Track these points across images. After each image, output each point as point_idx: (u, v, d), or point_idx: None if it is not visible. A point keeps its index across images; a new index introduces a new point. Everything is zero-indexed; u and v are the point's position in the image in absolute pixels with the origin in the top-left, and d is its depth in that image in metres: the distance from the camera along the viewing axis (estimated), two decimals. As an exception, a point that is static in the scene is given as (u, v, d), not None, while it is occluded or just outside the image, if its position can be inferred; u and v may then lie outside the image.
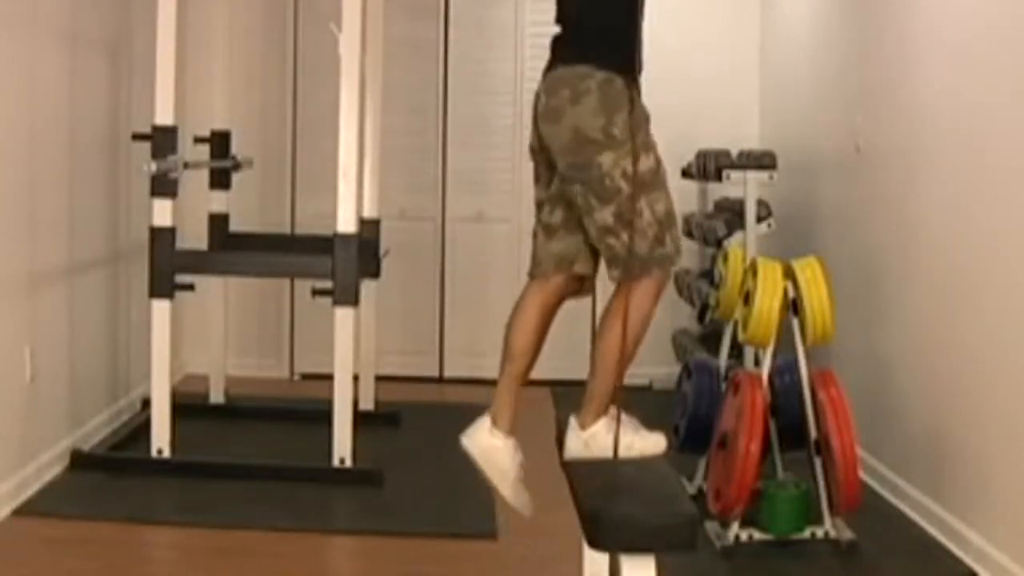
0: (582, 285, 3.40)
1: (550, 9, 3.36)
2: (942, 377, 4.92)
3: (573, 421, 3.33)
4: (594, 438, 3.28)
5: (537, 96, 3.29)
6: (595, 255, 3.33)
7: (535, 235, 3.37)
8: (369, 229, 6.40)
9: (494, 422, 3.36)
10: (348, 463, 5.45)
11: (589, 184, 3.18)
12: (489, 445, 3.36)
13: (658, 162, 3.23)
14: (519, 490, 3.41)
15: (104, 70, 6.08)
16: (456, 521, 5.02)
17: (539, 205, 3.38)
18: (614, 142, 3.16)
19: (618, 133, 3.16)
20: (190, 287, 5.64)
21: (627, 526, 2.85)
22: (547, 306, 3.35)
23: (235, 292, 6.97)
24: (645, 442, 3.31)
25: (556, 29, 3.33)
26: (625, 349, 3.24)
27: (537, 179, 3.38)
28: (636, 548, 2.85)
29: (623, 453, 3.27)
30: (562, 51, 3.28)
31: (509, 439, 3.36)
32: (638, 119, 3.20)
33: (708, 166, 6.60)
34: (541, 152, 3.33)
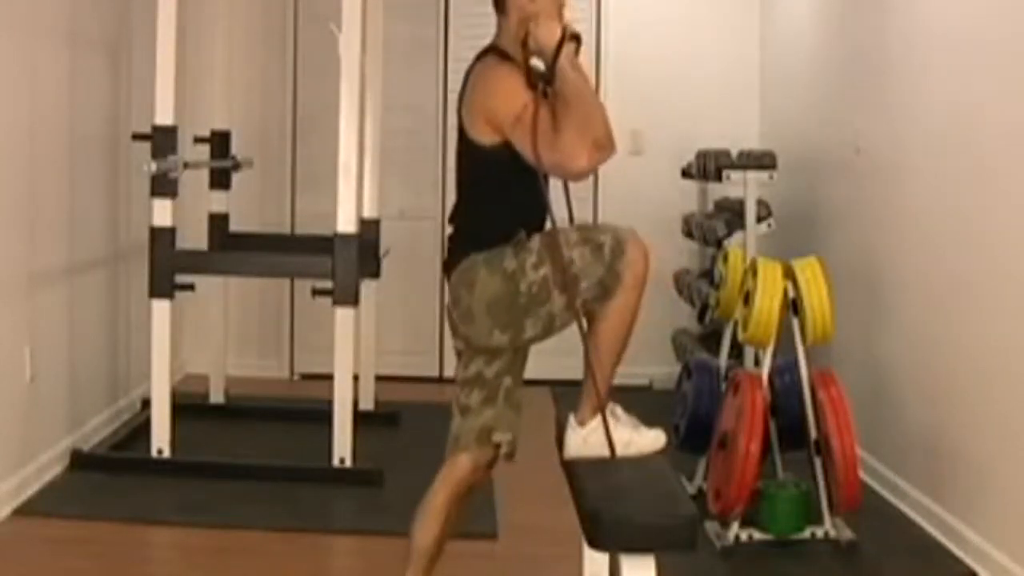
0: (495, 459, 3.51)
1: (549, 9, 3.39)
2: (942, 377, 4.92)
3: (572, 419, 3.34)
4: (593, 434, 3.29)
5: (448, 310, 3.46)
6: (514, 421, 3.46)
7: (453, 415, 3.50)
8: (369, 229, 6.40)
9: None
10: (348, 463, 5.45)
11: (530, 307, 3.30)
12: None
13: (548, 239, 3.29)
14: None
15: (104, 70, 6.08)
16: (456, 521, 5.01)
17: (456, 382, 3.51)
18: (514, 274, 3.29)
19: (510, 268, 3.29)
20: (190, 287, 5.64)
21: (627, 526, 2.85)
22: (458, 493, 3.49)
23: (235, 292, 6.97)
24: (644, 439, 3.33)
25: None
26: (619, 343, 3.29)
27: (459, 359, 3.52)
28: (636, 548, 2.85)
29: (622, 450, 3.28)
30: (454, 253, 3.43)
31: None
32: (518, 247, 3.30)
33: (708, 166, 6.60)
34: (466, 347, 3.46)
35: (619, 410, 3.37)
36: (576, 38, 3.26)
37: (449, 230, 3.51)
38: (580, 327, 3.29)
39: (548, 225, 3.29)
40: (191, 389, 6.84)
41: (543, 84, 3.25)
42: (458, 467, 3.47)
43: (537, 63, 3.27)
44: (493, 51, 3.39)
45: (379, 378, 6.73)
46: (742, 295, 5.08)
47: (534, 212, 3.32)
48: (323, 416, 5.57)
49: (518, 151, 3.23)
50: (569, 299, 3.25)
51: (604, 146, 3.17)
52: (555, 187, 3.38)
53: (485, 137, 3.29)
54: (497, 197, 3.36)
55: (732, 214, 6.50)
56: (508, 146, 3.25)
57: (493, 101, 3.27)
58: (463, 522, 3.59)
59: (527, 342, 3.41)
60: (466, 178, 3.45)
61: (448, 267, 3.43)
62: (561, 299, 3.26)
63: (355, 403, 5.62)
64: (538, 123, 3.15)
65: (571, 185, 3.47)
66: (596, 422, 3.29)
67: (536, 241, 3.30)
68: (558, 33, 3.23)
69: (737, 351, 5.63)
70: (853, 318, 5.60)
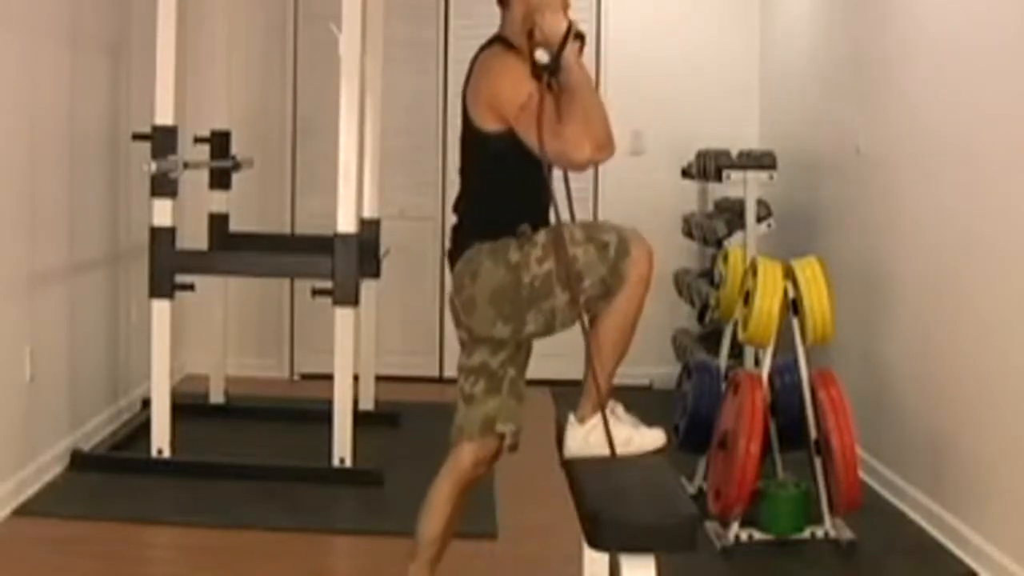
0: (499, 451, 3.51)
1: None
2: (942, 377, 4.92)
3: (572, 417, 3.35)
4: (593, 431, 3.29)
5: (451, 300, 3.45)
6: (516, 411, 3.46)
7: (456, 405, 3.50)
8: (369, 229, 6.40)
9: None
10: (348, 463, 5.45)
11: (533, 301, 3.30)
12: None
13: (553, 234, 3.30)
14: None
15: (104, 70, 6.08)
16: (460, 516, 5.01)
17: (459, 371, 3.51)
18: (518, 266, 3.29)
19: (514, 259, 3.30)
20: (190, 287, 5.64)
21: (627, 526, 2.85)
22: (461, 485, 3.49)
23: (235, 292, 6.97)
24: (643, 437, 3.33)
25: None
26: (621, 343, 3.29)
27: (463, 348, 3.51)
28: (636, 548, 2.85)
29: (622, 448, 3.28)
30: (457, 242, 3.44)
31: None
32: (524, 240, 3.31)
33: (708, 166, 6.60)
34: (469, 338, 3.46)
35: (620, 409, 3.37)
36: (580, 37, 3.28)
37: (453, 219, 3.51)
38: (583, 324, 3.29)
39: (552, 217, 3.29)
40: (191, 389, 6.84)
41: (547, 76, 3.25)
42: (461, 459, 3.48)
43: (542, 55, 3.28)
44: (498, 41, 3.41)
45: (379, 378, 6.73)
46: (742, 295, 5.08)
47: (537, 203, 3.32)
48: (323, 416, 5.57)
49: (522, 140, 3.24)
50: (572, 296, 3.25)
51: (604, 146, 3.21)
52: (556, 181, 3.37)
53: (489, 125, 3.31)
54: (501, 187, 3.36)
55: (732, 214, 6.50)
56: (512, 135, 3.26)
57: (498, 89, 3.29)
58: (463, 520, 3.58)
59: (528, 336, 3.41)
60: (470, 167, 3.46)
61: (452, 256, 3.44)
62: (564, 295, 3.27)
63: (355, 403, 5.62)
64: (543, 112, 3.16)
65: (571, 182, 3.48)
66: (596, 420, 3.30)
67: (542, 235, 3.31)
68: (564, 24, 3.25)
69: (737, 351, 5.63)
70: (853, 318, 5.60)
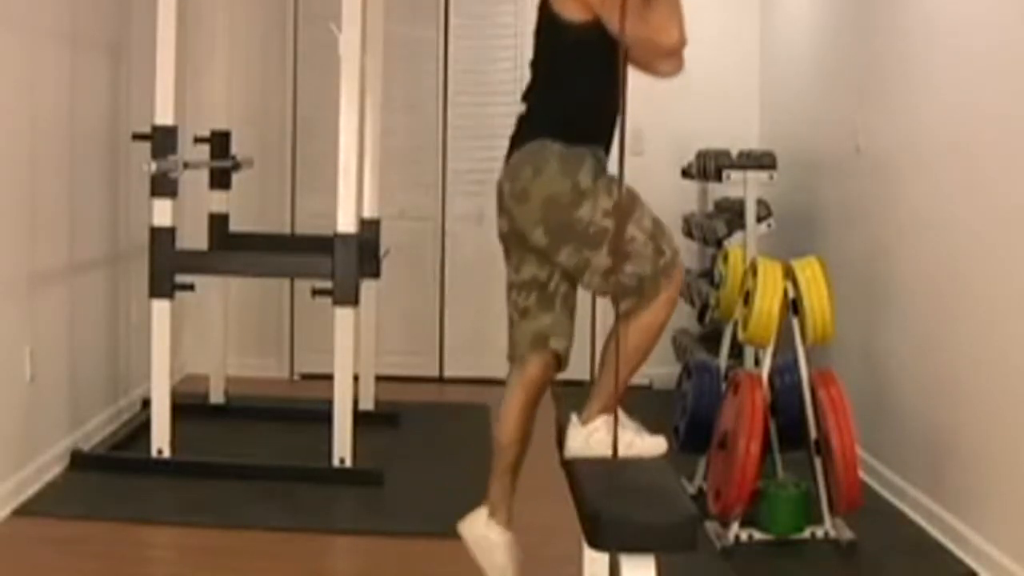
0: (559, 365, 3.45)
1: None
2: (942, 377, 4.92)
3: (575, 418, 3.34)
4: (596, 433, 3.29)
5: (500, 184, 3.37)
6: (569, 328, 3.40)
7: (510, 320, 3.43)
8: (369, 229, 6.40)
9: (491, 514, 3.43)
10: (348, 463, 5.45)
11: (577, 239, 3.24)
12: (484, 537, 3.44)
13: (629, 198, 3.27)
14: None
15: (104, 70, 6.08)
16: (456, 521, 5.01)
17: (510, 288, 3.44)
18: (584, 194, 3.24)
19: (584, 184, 3.24)
20: (190, 287, 5.64)
21: (627, 526, 2.85)
22: (530, 395, 3.43)
23: (235, 292, 6.97)
24: (645, 443, 3.33)
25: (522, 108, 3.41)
26: (637, 355, 3.29)
27: (508, 260, 3.44)
28: (636, 548, 2.85)
29: (623, 452, 3.28)
30: (522, 131, 3.35)
31: (506, 533, 3.44)
32: (599, 170, 3.28)
33: (708, 166, 6.60)
34: (511, 235, 3.39)
35: (623, 415, 3.36)
36: None
37: (520, 108, 3.41)
38: (615, 307, 3.21)
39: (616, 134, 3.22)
40: (191, 389, 6.84)
41: None
42: (528, 371, 3.40)
43: None
44: None
45: (379, 378, 6.73)
46: (742, 295, 5.09)
47: (610, 107, 3.24)
48: (323, 416, 5.57)
49: (606, 32, 3.18)
50: (610, 267, 3.20)
51: (684, 42, 3.28)
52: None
53: (574, 14, 3.26)
54: (577, 80, 3.30)
55: (732, 214, 6.50)
56: (595, 26, 3.21)
57: None
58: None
59: (556, 264, 3.33)
60: (546, 58, 3.38)
61: (514, 143, 3.35)
62: (605, 260, 3.22)
63: (355, 403, 5.62)
64: None
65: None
66: (599, 422, 3.29)
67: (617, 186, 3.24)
68: None
69: (737, 351, 5.63)
70: (853, 318, 5.60)
